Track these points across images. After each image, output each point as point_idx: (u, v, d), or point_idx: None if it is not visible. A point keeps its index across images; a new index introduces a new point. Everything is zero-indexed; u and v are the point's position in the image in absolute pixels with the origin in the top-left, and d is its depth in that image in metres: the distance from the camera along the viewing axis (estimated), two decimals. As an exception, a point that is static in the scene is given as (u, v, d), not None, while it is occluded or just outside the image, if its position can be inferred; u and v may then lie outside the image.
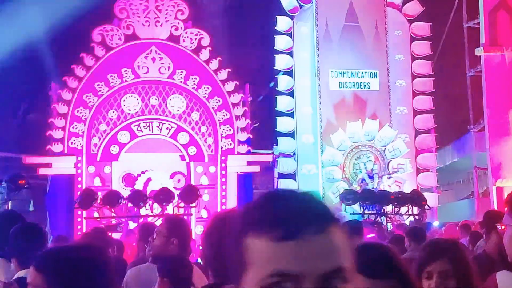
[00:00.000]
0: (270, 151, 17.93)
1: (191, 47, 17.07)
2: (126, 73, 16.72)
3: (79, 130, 16.39)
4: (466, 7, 19.08)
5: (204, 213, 16.60)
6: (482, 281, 2.83)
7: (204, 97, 16.99)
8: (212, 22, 17.55)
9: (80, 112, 16.42)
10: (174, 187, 15.41)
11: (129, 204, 13.14)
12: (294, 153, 17.91)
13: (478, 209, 18.67)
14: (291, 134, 17.95)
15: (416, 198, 14.35)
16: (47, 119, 16.41)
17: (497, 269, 2.97)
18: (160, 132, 16.79)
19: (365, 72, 18.45)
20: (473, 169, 19.19)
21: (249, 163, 17.29)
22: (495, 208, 17.32)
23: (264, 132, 17.99)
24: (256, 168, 17.40)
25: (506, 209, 2.83)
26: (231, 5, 19.11)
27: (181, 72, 16.92)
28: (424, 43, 18.74)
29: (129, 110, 16.70)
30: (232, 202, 16.83)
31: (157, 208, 13.62)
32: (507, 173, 17.06)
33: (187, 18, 17.12)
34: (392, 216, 14.52)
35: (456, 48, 19.33)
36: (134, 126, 16.68)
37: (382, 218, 14.29)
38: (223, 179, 16.94)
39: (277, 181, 17.82)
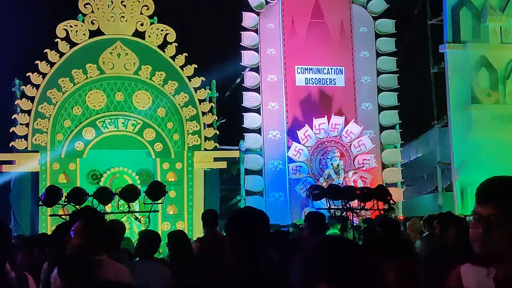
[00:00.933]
0: (236, 147, 17.92)
1: (157, 42, 16.98)
2: (90, 69, 16.56)
3: (43, 127, 16.18)
4: (429, 4, 19.31)
5: (170, 210, 16.56)
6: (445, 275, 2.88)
7: (170, 93, 16.92)
8: (178, 17, 17.45)
9: (44, 108, 16.22)
10: (140, 184, 15.34)
11: (95, 201, 13.00)
12: (260, 149, 17.94)
13: (442, 204, 18.98)
14: (258, 130, 17.99)
15: (381, 193, 14.46)
16: (11, 116, 16.17)
17: (460, 261, 3.01)
18: (126, 128, 16.68)
19: (331, 68, 18.57)
20: (437, 164, 19.46)
21: (216, 159, 17.29)
22: (458, 202, 17.64)
23: (230, 128, 17.97)
24: (222, 164, 17.41)
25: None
26: (197, 1, 19.02)
27: (147, 68, 16.82)
28: (389, 39, 18.94)
29: (94, 106, 16.54)
30: (198, 198, 16.81)
31: (123, 205, 13.51)
32: (470, 168, 17.33)
33: (153, 14, 17.03)
34: (358, 211, 14.63)
35: (420, 45, 19.56)
36: (99, 122, 16.54)
37: (348, 213, 14.38)
38: (190, 176, 16.91)
39: (244, 177, 17.83)
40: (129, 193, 12.81)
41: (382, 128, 18.78)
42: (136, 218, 13.30)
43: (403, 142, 19.12)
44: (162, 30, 17.05)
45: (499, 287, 2.41)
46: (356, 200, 14.57)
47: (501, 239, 2.34)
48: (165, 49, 16.98)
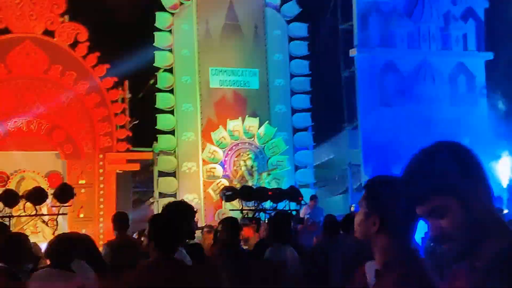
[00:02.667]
0: (150, 149, 17.75)
1: (67, 42, 16.61)
2: (-3, 68, 16.00)
3: None
4: (340, 9, 19.77)
5: (81, 213, 16.23)
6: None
7: (81, 93, 16.58)
8: (90, 17, 17.12)
9: None
10: (50, 186, 14.97)
11: (1, 204, 12.60)
12: (174, 151, 17.85)
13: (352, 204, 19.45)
14: (172, 132, 17.89)
15: (293, 194, 14.74)
16: None
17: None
18: (35, 129, 16.22)
19: (245, 70, 18.69)
20: (347, 165, 19.93)
21: (129, 161, 17.06)
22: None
23: (144, 130, 17.79)
24: (135, 166, 17.20)
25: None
26: (110, 0, 18.75)
27: (57, 67, 16.42)
28: (302, 43, 19.25)
29: (1, 106, 16.00)
30: (110, 201, 16.55)
31: (30, 208, 13.15)
32: (379, 169, 17.83)
33: (64, 12, 16.64)
34: (270, 211, 14.81)
35: (331, 49, 19.99)
36: (7, 123, 16.00)
37: (260, 214, 14.55)
38: (101, 178, 16.61)
39: (157, 180, 17.67)
40: (36, 196, 12.51)
41: (295, 130, 19.06)
42: (44, 222, 12.99)
43: (315, 144, 19.48)
44: (73, 29, 16.69)
45: (378, 278, 2.51)
46: (269, 201, 14.79)
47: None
48: (76, 49, 16.64)
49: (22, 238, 5.87)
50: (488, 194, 1.88)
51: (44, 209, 13.91)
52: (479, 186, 1.86)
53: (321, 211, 15.84)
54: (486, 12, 20.10)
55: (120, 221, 8.33)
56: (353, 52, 18.93)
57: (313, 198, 16.45)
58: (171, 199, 17.37)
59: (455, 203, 1.83)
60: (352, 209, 16.68)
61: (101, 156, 16.63)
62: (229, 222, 7.04)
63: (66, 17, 16.66)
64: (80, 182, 16.28)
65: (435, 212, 1.85)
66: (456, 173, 1.84)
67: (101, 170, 16.62)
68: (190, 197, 17.64)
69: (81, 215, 16.29)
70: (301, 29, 19.30)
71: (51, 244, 5.64)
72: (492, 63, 19.94)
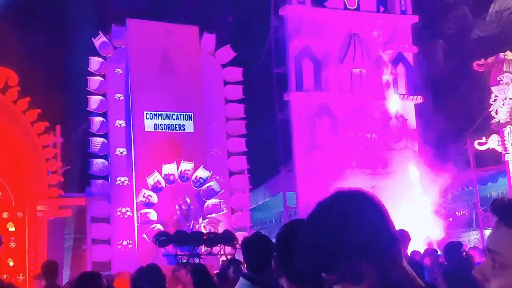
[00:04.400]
0: (83, 194, 17.42)
1: (-3, 86, 16.28)
2: None
3: None
4: (274, 53, 20.08)
5: (10, 261, 15.71)
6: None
7: (12, 139, 16.20)
8: (20, 61, 16.88)
9: None
10: (-23, 235, 14.46)
11: None
12: (108, 196, 17.56)
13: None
14: (105, 177, 17.63)
15: (227, 238, 14.68)
16: None
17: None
18: (-38, 176, 15.72)
19: (180, 114, 18.68)
20: (283, 208, 20.00)
21: (61, 207, 16.68)
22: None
23: (76, 175, 17.48)
24: (68, 212, 16.83)
25: None
26: (41, 44, 18.57)
27: (-14, 112, 16.04)
28: (236, 87, 19.44)
29: None
30: (41, 249, 16.08)
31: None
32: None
33: (-7, 57, 16.35)
34: (204, 256, 14.70)
35: (266, 92, 20.22)
36: None
37: (195, 258, 14.41)
38: (32, 225, 16.16)
39: (91, 225, 17.32)
40: (-38, 245, 12.05)
41: (231, 173, 19.08)
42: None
43: (251, 187, 19.52)
44: (3, 74, 16.38)
45: None
46: (203, 245, 14.68)
47: None
48: (6, 93, 16.31)
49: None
50: (400, 251, 1.62)
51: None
52: (393, 242, 1.60)
53: None
54: (414, 57, 20.77)
55: (49, 270, 8.10)
56: (287, 96, 19.20)
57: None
58: (105, 246, 17.06)
59: (370, 268, 1.56)
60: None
61: (32, 202, 16.20)
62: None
63: (-4, 61, 16.36)
64: (10, 229, 15.79)
65: (346, 280, 1.58)
66: (366, 231, 1.56)
67: (31, 217, 16.17)
68: (124, 243, 17.35)
69: (11, 263, 15.76)
70: (235, 73, 19.51)
71: None
72: (422, 106, 20.55)
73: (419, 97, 20.51)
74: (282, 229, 2.72)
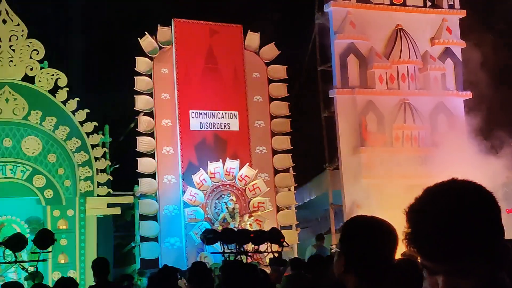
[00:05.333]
0: (131, 193, 17.67)
1: (47, 87, 16.64)
2: (-24, 114, 15.98)
3: None
4: (319, 51, 20.02)
5: (62, 259, 16.04)
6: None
7: (62, 138, 16.55)
8: (70, 62, 17.22)
9: None
10: (30, 233, 14.83)
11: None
12: (155, 194, 17.77)
13: (335, 245, 19.37)
14: (152, 175, 17.84)
15: (274, 236, 14.67)
16: None
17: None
18: (15, 175, 16.12)
19: (225, 113, 18.79)
20: (329, 206, 19.92)
21: (110, 205, 16.96)
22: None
23: (124, 174, 17.73)
24: (117, 210, 17.09)
25: None
26: (89, 45, 18.89)
27: (37, 113, 16.41)
28: (281, 85, 19.44)
29: (-20, 152, 15.93)
30: (91, 246, 16.39)
31: (10, 255, 12.98)
32: (361, 210, 17.84)
33: (43, 58, 16.70)
34: (252, 254, 14.74)
35: (311, 90, 20.16)
36: (-14, 169, 15.91)
37: (242, 256, 14.44)
38: (82, 223, 16.48)
39: (139, 223, 17.55)
40: (16, 242, 12.34)
41: (276, 171, 19.10)
42: (24, 268, 12.79)
43: (296, 185, 19.48)
44: (53, 75, 16.74)
45: None
46: (250, 243, 14.70)
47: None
48: (56, 94, 16.66)
49: None
50: (509, 253, 1.58)
51: (24, 255, 13.74)
52: (504, 244, 1.57)
53: (327, 251, 15.85)
54: (463, 51, 20.43)
55: (100, 267, 8.23)
56: (332, 93, 19.11)
57: (320, 238, 16.55)
58: (153, 243, 17.27)
59: (484, 265, 1.53)
60: (333, 250, 16.63)
61: (81, 200, 16.52)
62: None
63: (46, 63, 16.71)
64: (61, 227, 16.13)
65: (453, 274, 1.54)
66: (486, 229, 1.54)
67: (81, 215, 16.50)
68: (171, 241, 17.54)
69: (62, 261, 16.10)
70: (280, 71, 19.52)
71: None
72: (470, 101, 20.19)
73: (468, 92, 20.18)
74: (350, 226, 2.71)
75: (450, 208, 1.55)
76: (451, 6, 20.58)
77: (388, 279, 2.53)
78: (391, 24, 19.71)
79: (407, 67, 19.68)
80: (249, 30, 19.37)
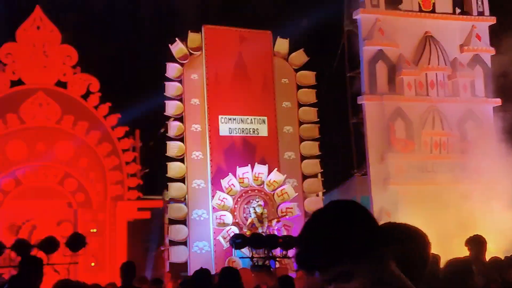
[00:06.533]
0: (160, 197, 17.88)
1: (79, 92, 16.94)
2: (11, 119, 16.33)
3: (-41, 177, 15.79)
4: (347, 57, 20.06)
5: (92, 262, 16.30)
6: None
7: (93, 143, 16.84)
8: (102, 68, 17.51)
9: (-39, 159, 15.84)
10: (61, 235, 15.07)
11: (13, 254, 12.70)
12: (184, 199, 17.95)
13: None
14: (182, 180, 18.02)
15: (302, 241, 14.73)
16: None
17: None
18: (47, 178, 16.43)
19: (254, 118, 18.92)
20: (358, 211, 19.86)
21: (140, 209, 17.19)
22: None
23: (154, 178, 17.96)
24: (146, 215, 17.31)
25: None
26: (121, 51, 19.17)
27: (69, 117, 16.72)
28: (309, 91, 19.52)
29: (14, 156, 16.26)
30: (121, 249, 16.62)
31: (42, 257, 13.22)
32: (388, 217, 17.81)
33: (76, 64, 17.03)
34: (280, 259, 14.84)
35: (339, 96, 20.21)
36: (19, 172, 16.24)
37: (270, 261, 14.55)
38: (112, 226, 16.72)
39: (168, 227, 17.74)
40: (48, 245, 12.61)
41: (305, 177, 19.16)
42: (55, 270, 13.04)
43: (325, 190, 19.53)
44: (85, 80, 17.05)
45: None
46: (279, 248, 14.80)
47: None
48: (88, 99, 16.96)
49: None
50: (387, 254, 1.79)
51: (56, 257, 13.99)
52: (380, 246, 1.77)
53: None
54: (492, 58, 20.31)
55: (126, 270, 8.40)
56: (361, 100, 19.13)
57: None
58: (182, 247, 17.43)
59: (366, 267, 1.72)
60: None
61: (112, 204, 16.77)
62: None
63: (78, 68, 17.03)
64: (92, 230, 16.39)
65: (338, 279, 1.72)
66: (357, 234, 1.74)
67: (112, 219, 16.74)
68: (200, 245, 17.68)
69: (92, 264, 16.35)
70: (309, 77, 19.60)
71: None
72: (500, 108, 20.05)
73: (497, 99, 20.05)
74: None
75: (324, 221, 1.78)
76: (481, 13, 20.49)
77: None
78: (420, 31, 19.68)
79: (436, 74, 19.63)
80: (278, 36, 19.49)
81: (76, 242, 12.64)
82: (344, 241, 1.73)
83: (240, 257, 15.97)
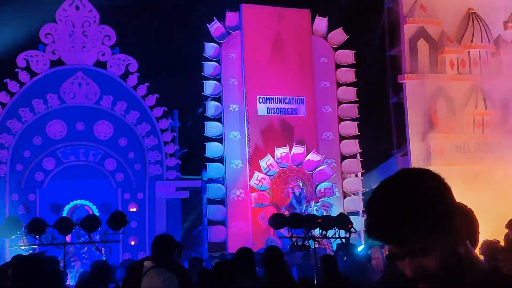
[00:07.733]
0: (199, 177, 17.89)
1: (118, 72, 16.99)
2: (51, 99, 16.45)
3: (2, 157, 15.98)
4: (388, 35, 19.71)
5: (132, 241, 16.41)
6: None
7: (132, 123, 16.90)
8: (140, 48, 17.52)
9: (3, 139, 16.02)
10: (101, 214, 15.18)
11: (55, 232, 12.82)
12: (223, 179, 17.94)
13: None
14: (220, 160, 18.00)
15: (342, 222, 14.58)
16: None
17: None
18: (87, 158, 16.56)
19: (292, 98, 18.75)
20: (397, 192, 19.61)
21: (178, 189, 17.23)
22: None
23: (193, 158, 17.97)
24: (185, 194, 17.35)
25: None
26: (159, 32, 19.13)
27: (109, 97, 16.79)
28: (349, 70, 19.26)
29: (55, 136, 16.41)
30: (160, 228, 16.69)
31: (84, 235, 13.34)
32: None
33: (114, 44, 17.05)
34: (319, 239, 14.70)
35: (379, 75, 19.90)
36: (60, 152, 16.39)
37: (310, 241, 14.44)
38: (151, 206, 16.81)
39: (206, 207, 17.77)
40: (90, 223, 12.66)
41: (343, 157, 18.98)
42: (97, 249, 13.14)
43: (363, 171, 19.32)
44: (123, 60, 17.08)
45: None
46: (318, 228, 14.67)
47: None
48: (127, 79, 17.00)
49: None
50: (464, 228, 1.71)
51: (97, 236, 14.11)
52: (459, 220, 1.67)
53: None
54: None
55: (160, 244, 8.33)
56: (401, 79, 18.80)
57: None
58: (220, 227, 17.43)
59: (443, 241, 1.63)
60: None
61: (151, 184, 16.85)
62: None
63: (117, 48, 17.06)
64: (131, 209, 16.49)
65: (415, 253, 1.64)
66: (439, 207, 1.64)
67: (151, 198, 16.82)
68: (238, 225, 17.68)
69: (132, 243, 16.47)
70: (348, 56, 19.33)
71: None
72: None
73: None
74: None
75: (405, 194, 1.65)
76: (526, -12, 19.91)
77: None
78: (463, 7, 19.23)
79: (479, 51, 19.19)
80: (317, 15, 19.23)
81: (118, 220, 12.66)
82: (423, 214, 1.62)
83: (279, 237, 15.89)
